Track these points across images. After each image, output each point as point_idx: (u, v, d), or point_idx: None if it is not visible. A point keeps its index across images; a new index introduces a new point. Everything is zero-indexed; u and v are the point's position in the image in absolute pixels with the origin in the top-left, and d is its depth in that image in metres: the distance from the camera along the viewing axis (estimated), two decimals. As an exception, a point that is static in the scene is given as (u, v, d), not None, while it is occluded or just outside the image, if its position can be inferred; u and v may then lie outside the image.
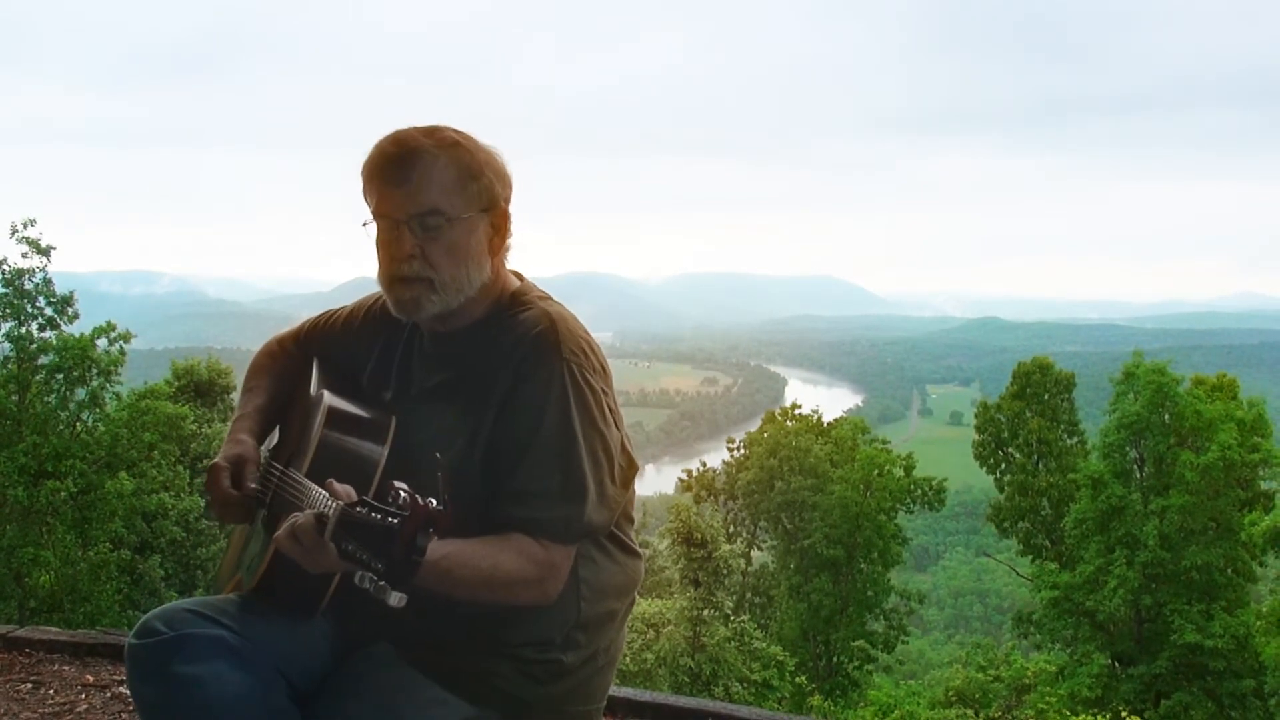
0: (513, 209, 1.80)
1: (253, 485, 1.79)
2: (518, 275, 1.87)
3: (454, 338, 1.79)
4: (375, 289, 1.88)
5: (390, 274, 1.70)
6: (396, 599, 1.29)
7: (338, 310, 2.06)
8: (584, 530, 1.67)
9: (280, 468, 1.80)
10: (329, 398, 1.76)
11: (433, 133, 1.70)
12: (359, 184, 1.74)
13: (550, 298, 1.83)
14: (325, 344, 2.01)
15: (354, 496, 1.41)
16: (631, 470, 1.77)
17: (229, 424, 1.94)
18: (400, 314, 1.75)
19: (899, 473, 25.39)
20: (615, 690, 3.13)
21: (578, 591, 1.74)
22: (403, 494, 1.31)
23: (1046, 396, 24.08)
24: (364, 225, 1.72)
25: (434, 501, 1.30)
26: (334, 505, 1.37)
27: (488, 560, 1.57)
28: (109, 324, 14.87)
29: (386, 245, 1.69)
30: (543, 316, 1.73)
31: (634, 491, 1.83)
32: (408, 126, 1.72)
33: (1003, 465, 24.27)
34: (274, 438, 1.99)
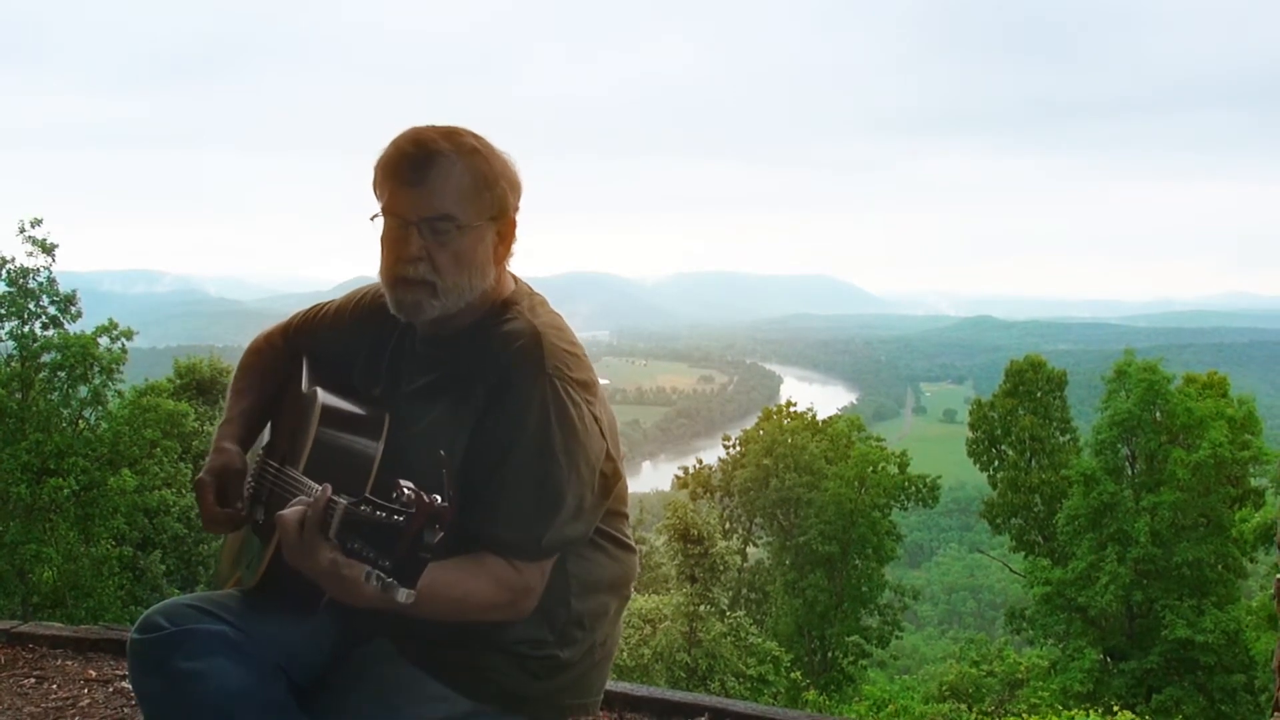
0: (519, 216, 1.78)
1: (239, 505, 1.79)
2: (514, 278, 1.86)
3: (445, 340, 1.77)
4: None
5: (394, 273, 1.68)
6: (404, 595, 1.29)
7: (327, 304, 2.03)
8: (556, 546, 1.66)
9: (275, 465, 1.79)
10: (323, 395, 1.75)
11: (452, 136, 1.68)
12: (358, 185, 1.76)
13: (541, 304, 1.82)
14: (314, 338, 1.98)
15: (358, 495, 1.39)
16: (615, 478, 1.77)
17: (215, 428, 1.93)
18: (399, 314, 1.73)
19: (893, 470, 25.48)
20: (612, 685, 3.12)
21: (568, 587, 1.75)
22: (407, 491, 1.29)
23: (1039, 394, 24.04)
24: (372, 219, 1.70)
25: (439, 498, 1.29)
26: (338, 503, 1.38)
27: (459, 589, 1.57)
28: (110, 322, 14.96)
29: (393, 244, 1.68)
30: (527, 328, 1.72)
31: (626, 487, 1.83)
32: (427, 126, 1.70)
33: (996, 462, 24.24)
34: (265, 435, 1.97)
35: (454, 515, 1.31)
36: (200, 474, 1.80)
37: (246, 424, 1.92)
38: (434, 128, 1.69)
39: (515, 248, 1.80)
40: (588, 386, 1.72)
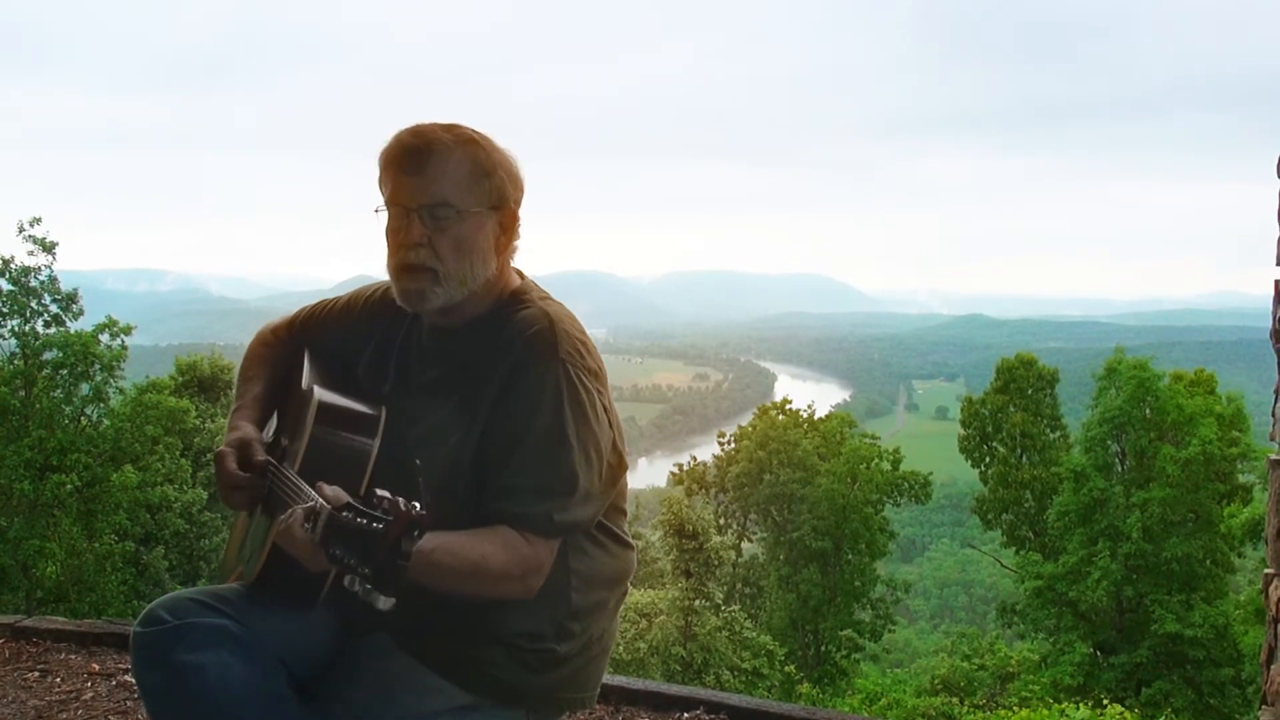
0: (521, 211, 1.83)
1: (260, 458, 1.80)
2: (519, 274, 1.88)
3: (454, 333, 1.80)
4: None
5: (398, 261, 1.71)
6: (384, 603, 1.30)
7: (335, 299, 2.05)
8: (568, 526, 1.69)
9: (274, 463, 1.79)
10: (319, 393, 1.75)
11: (451, 128, 1.73)
12: (361, 183, 1.78)
13: (550, 297, 1.85)
14: (320, 333, 2.00)
15: (342, 500, 1.40)
16: (621, 468, 1.79)
17: (229, 416, 1.95)
18: (405, 305, 1.75)
19: (886, 466, 25.60)
20: (608, 678, 3.13)
21: (568, 582, 1.76)
22: (385, 499, 1.31)
23: (1030, 391, 24.03)
24: (376, 211, 1.74)
25: (417, 505, 1.30)
26: (321, 510, 1.39)
27: (476, 552, 1.58)
28: (110, 319, 14.99)
29: (396, 233, 1.71)
30: (541, 315, 1.75)
31: (626, 484, 1.85)
32: (428, 122, 1.75)
33: (987, 459, 24.20)
34: (270, 429, 1.97)
35: (432, 523, 1.33)
36: (221, 447, 1.83)
37: (259, 408, 1.94)
38: (435, 123, 1.74)
39: (519, 243, 1.84)
40: (598, 376, 1.76)
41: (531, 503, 1.65)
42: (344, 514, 1.33)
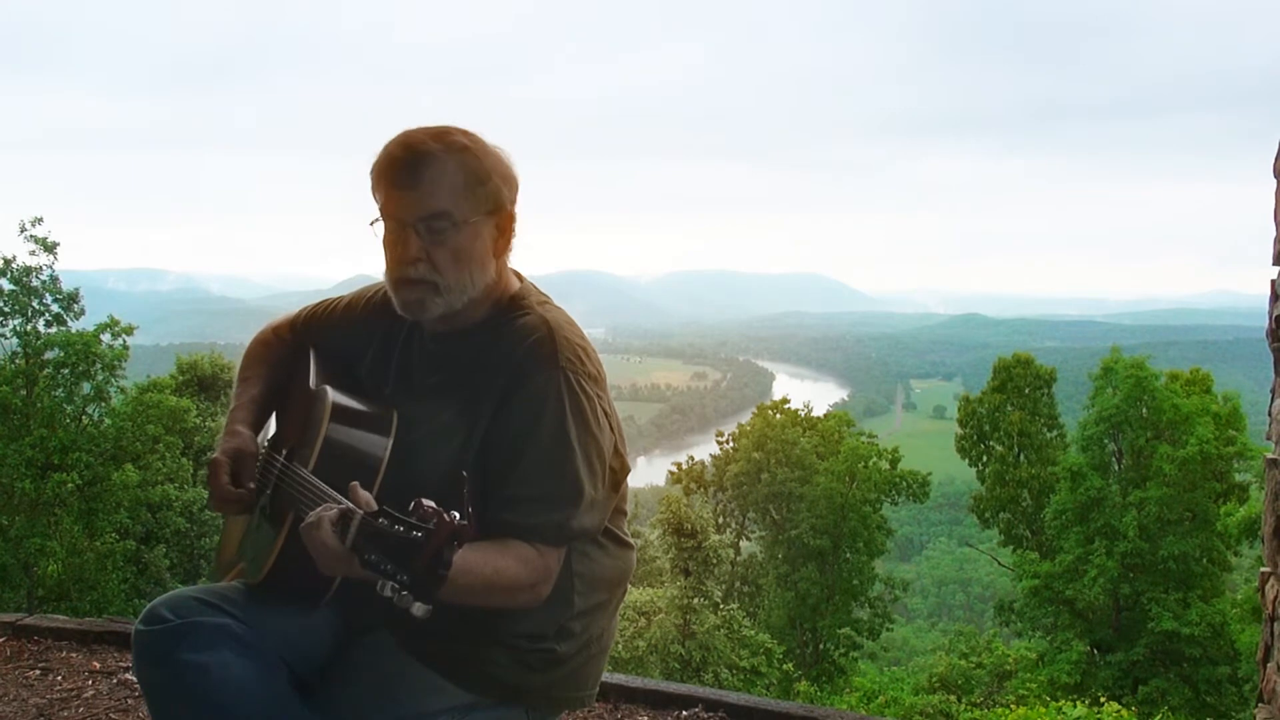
0: (516, 210, 1.81)
1: (252, 485, 1.80)
2: (518, 275, 1.87)
3: (454, 337, 1.79)
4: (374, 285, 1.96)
5: (396, 275, 1.71)
6: (421, 610, 1.30)
7: (336, 299, 2.04)
8: (575, 534, 1.69)
9: (281, 459, 1.78)
10: (333, 394, 1.75)
11: (441, 135, 1.70)
12: (360, 184, 1.76)
13: (549, 301, 1.85)
14: (323, 333, 1.99)
15: (374, 505, 1.39)
16: (623, 472, 1.78)
17: (226, 414, 1.94)
18: (406, 314, 1.75)
19: (884, 465, 25.62)
20: (608, 676, 3.15)
21: (571, 585, 1.76)
22: (427, 508, 1.30)
23: (1027, 390, 24.08)
24: (371, 224, 1.72)
25: (458, 515, 1.30)
26: (353, 514, 1.37)
27: (490, 567, 1.57)
28: (111, 319, 15.04)
29: (393, 246, 1.70)
30: (540, 323, 1.74)
31: (626, 486, 1.84)
32: (416, 128, 1.72)
33: (984, 458, 24.26)
34: (271, 426, 1.97)
35: (472, 534, 1.33)
36: (215, 454, 1.81)
37: (257, 410, 1.94)
38: (424, 129, 1.71)
39: (515, 243, 1.82)
40: (598, 381, 1.75)
41: (539, 513, 1.64)
42: (380, 520, 1.32)
